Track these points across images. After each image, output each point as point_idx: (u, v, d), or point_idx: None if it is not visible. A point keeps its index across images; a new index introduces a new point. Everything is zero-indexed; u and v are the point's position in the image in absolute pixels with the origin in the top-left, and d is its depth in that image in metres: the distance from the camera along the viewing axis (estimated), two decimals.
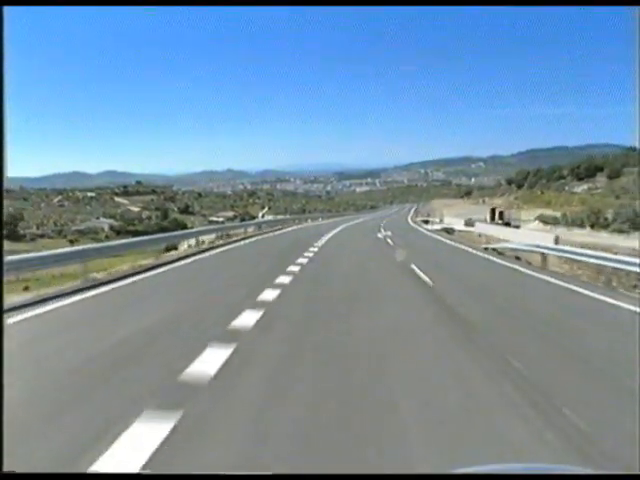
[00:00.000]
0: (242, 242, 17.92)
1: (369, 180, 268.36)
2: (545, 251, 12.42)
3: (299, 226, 31.31)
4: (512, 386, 3.45)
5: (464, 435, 2.69)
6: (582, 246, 16.45)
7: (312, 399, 3.19)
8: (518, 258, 14.07)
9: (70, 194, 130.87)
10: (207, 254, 13.58)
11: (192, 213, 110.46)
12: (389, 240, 19.27)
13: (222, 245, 16.40)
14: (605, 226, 37.67)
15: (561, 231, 33.73)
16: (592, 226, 40.38)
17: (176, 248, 17.29)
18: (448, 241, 20.12)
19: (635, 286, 10.44)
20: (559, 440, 2.66)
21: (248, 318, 5.32)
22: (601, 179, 69.22)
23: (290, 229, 27.38)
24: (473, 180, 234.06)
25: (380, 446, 2.56)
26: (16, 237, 64.45)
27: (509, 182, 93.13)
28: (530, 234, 20.63)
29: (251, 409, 3.02)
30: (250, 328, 4.94)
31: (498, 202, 77.09)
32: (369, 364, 3.93)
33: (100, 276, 9.06)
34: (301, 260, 11.44)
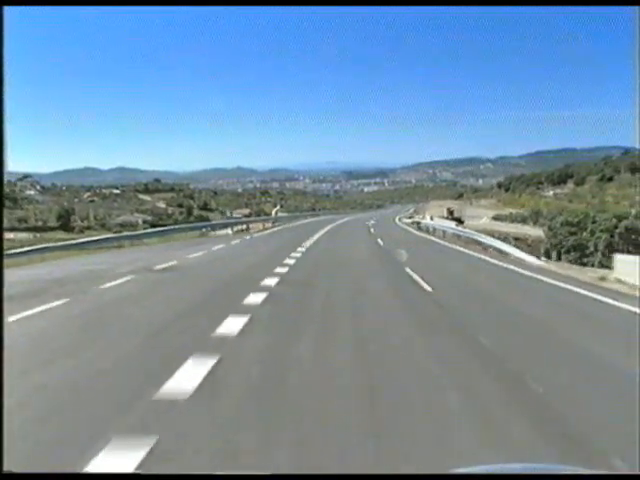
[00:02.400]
0: (279, 227, 34.30)
1: (377, 180, 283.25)
2: (448, 230, 28.57)
3: (316, 219, 47.99)
4: (377, 245, 20.03)
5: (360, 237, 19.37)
6: (486, 232, 32.70)
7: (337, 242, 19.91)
8: (431, 233, 30.39)
9: (97, 191, 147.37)
10: (268, 231, 29.97)
11: (211, 210, 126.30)
12: (370, 225, 35.65)
13: (266, 229, 32.58)
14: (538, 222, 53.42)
15: (500, 224, 49.61)
16: (535, 222, 56.16)
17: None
18: (405, 226, 36.47)
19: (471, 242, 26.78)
20: (372, 237, 19.26)
21: (318, 233, 21.94)
22: (570, 185, 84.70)
23: (311, 220, 44.02)
24: (480, 181, 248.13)
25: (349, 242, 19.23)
26: (68, 228, 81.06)
27: (499, 186, 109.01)
28: (452, 223, 36.80)
29: (321, 247, 19.65)
30: (317, 237, 21.53)
31: (484, 203, 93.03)
32: (349, 244, 20.57)
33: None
34: (326, 228, 28.11)
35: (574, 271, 14.15)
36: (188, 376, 4.32)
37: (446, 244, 21.39)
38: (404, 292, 9.61)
